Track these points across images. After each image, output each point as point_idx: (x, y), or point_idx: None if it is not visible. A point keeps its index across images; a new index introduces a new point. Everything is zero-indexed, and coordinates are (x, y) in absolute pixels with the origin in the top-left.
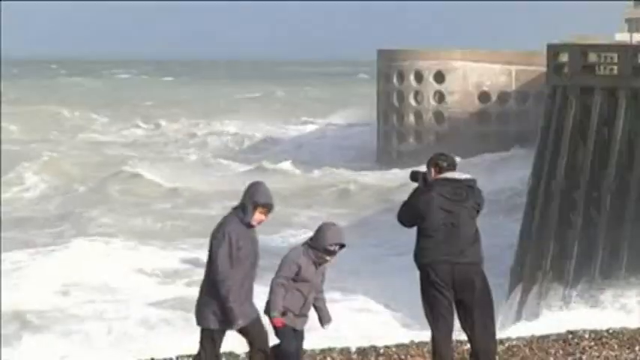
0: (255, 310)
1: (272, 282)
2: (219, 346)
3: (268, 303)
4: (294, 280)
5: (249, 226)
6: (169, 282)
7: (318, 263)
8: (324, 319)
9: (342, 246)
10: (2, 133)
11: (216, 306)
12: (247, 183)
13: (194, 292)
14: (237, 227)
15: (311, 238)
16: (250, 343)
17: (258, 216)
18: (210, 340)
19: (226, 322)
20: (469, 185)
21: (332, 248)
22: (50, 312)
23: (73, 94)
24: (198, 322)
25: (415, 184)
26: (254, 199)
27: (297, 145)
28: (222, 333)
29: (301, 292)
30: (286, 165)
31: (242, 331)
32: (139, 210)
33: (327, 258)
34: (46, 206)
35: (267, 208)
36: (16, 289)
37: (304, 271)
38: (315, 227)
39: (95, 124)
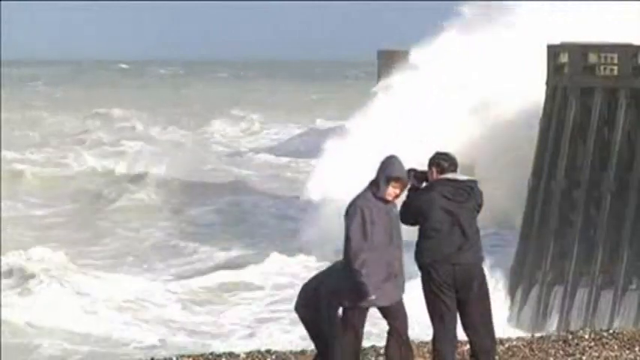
0: (399, 293)
1: None
2: (361, 326)
3: None
4: None
5: (385, 201)
6: None
7: None
8: None
9: None
10: None
11: (351, 283)
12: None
13: None
14: (369, 202)
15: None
16: (390, 326)
17: (391, 190)
18: (349, 318)
19: (360, 300)
20: (470, 186)
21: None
22: None
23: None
24: (342, 296)
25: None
26: (387, 173)
27: None
28: (361, 311)
29: None
30: None
31: (382, 312)
32: None
33: None
34: None
35: (402, 182)
36: None
37: None
38: None
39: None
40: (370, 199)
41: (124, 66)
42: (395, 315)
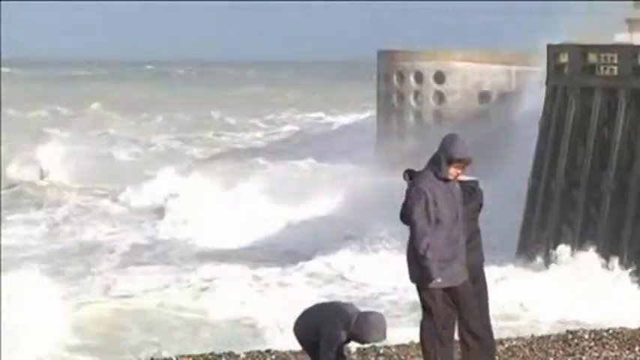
0: (465, 274)
1: (321, 349)
2: (441, 308)
3: None
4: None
5: (446, 180)
6: None
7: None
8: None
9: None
10: None
11: (419, 266)
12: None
13: None
14: (431, 182)
15: (353, 323)
16: (459, 309)
17: (453, 170)
18: (425, 301)
19: (427, 282)
20: (472, 187)
21: (372, 342)
22: None
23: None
24: (412, 280)
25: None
26: (449, 154)
27: None
28: (432, 293)
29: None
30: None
31: (450, 293)
32: None
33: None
34: None
35: (464, 162)
36: None
37: (340, 344)
38: None
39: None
40: (432, 179)
41: (149, 67)
42: (463, 296)
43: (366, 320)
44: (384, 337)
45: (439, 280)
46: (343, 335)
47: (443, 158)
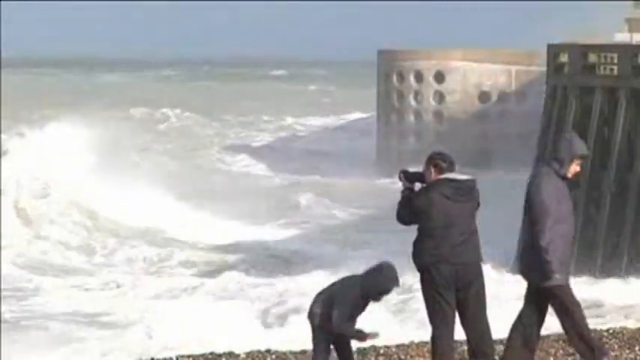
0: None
1: (335, 322)
2: (544, 305)
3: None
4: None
5: (564, 178)
6: None
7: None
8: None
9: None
10: None
11: (538, 261)
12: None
13: None
14: (553, 180)
15: (366, 277)
16: (558, 312)
17: (574, 167)
18: (531, 295)
19: (545, 278)
20: (470, 186)
21: (387, 292)
22: None
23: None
24: (525, 278)
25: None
26: (573, 151)
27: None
28: (560, 289)
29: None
30: None
31: (550, 293)
32: None
33: (380, 298)
34: None
35: (584, 159)
36: None
37: (358, 310)
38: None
39: None
40: (553, 177)
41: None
42: (564, 297)
43: (378, 271)
44: (397, 283)
45: (558, 277)
46: (358, 295)
47: (566, 156)
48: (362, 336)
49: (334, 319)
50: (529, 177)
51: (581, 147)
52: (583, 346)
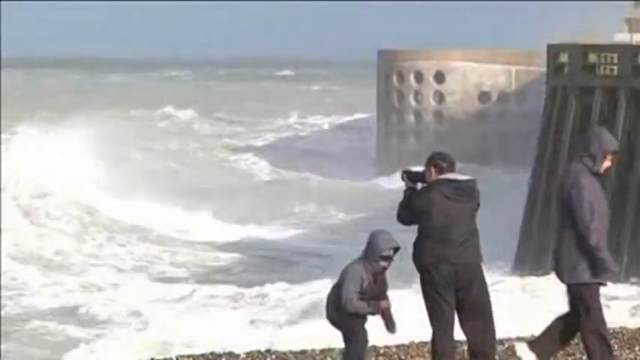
0: None
1: (344, 299)
2: (599, 305)
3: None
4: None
5: (597, 174)
6: None
7: (377, 274)
8: (389, 325)
9: (396, 250)
10: None
11: (588, 259)
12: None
13: None
14: (589, 178)
15: (365, 251)
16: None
17: (607, 163)
18: (590, 294)
19: (599, 275)
20: (470, 186)
21: (387, 254)
22: None
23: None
24: (570, 279)
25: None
26: (605, 147)
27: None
28: (596, 289)
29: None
30: None
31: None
32: None
33: (384, 264)
34: None
35: (615, 154)
36: None
37: (366, 285)
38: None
39: None
40: (588, 174)
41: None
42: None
43: (372, 237)
44: (395, 243)
45: (616, 270)
46: (362, 269)
47: (598, 152)
48: (375, 309)
49: (343, 295)
50: (562, 176)
51: (612, 142)
52: (597, 345)
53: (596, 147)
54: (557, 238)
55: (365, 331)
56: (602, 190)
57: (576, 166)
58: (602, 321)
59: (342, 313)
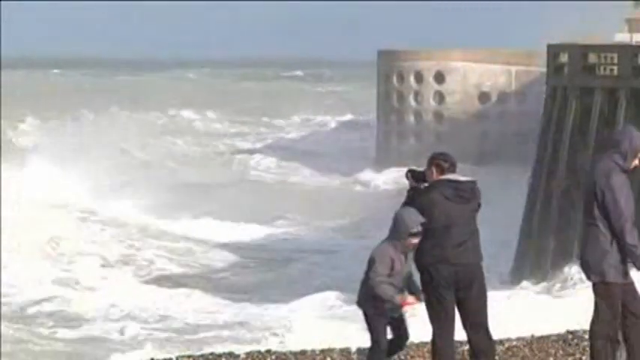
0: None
1: (372, 281)
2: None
3: (374, 297)
4: (389, 275)
5: (626, 171)
6: None
7: (406, 252)
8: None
9: (422, 225)
10: None
11: (620, 258)
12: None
13: None
14: (621, 176)
15: (392, 231)
16: (623, 305)
17: (635, 161)
18: (610, 292)
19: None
20: (471, 187)
21: (415, 230)
22: None
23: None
24: (597, 278)
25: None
26: (634, 145)
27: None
28: (622, 288)
29: (394, 286)
30: None
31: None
32: None
33: (414, 241)
34: None
35: None
36: None
37: (398, 265)
38: None
39: None
40: (619, 172)
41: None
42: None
43: (399, 214)
44: (422, 217)
45: None
46: (391, 249)
47: (629, 150)
48: (400, 301)
49: (371, 276)
50: (590, 174)
51: None
52: (604, 345)
53: (627, 144)
54: (584, 237)
55: (387, 340)
56: (631, 188)
57: (607, 163)
58: (615, 323)
59: (368, 295)
